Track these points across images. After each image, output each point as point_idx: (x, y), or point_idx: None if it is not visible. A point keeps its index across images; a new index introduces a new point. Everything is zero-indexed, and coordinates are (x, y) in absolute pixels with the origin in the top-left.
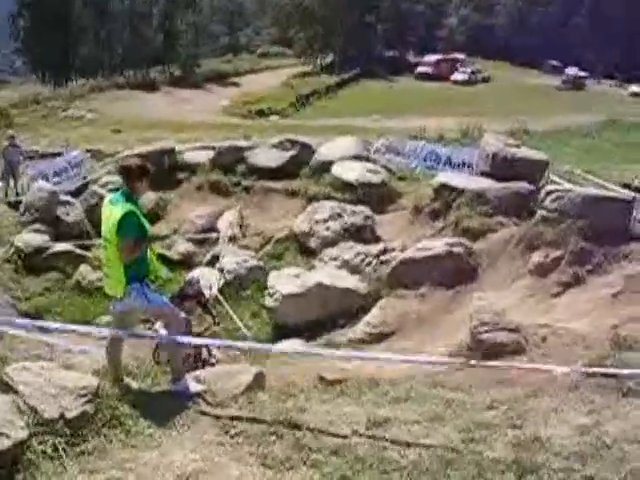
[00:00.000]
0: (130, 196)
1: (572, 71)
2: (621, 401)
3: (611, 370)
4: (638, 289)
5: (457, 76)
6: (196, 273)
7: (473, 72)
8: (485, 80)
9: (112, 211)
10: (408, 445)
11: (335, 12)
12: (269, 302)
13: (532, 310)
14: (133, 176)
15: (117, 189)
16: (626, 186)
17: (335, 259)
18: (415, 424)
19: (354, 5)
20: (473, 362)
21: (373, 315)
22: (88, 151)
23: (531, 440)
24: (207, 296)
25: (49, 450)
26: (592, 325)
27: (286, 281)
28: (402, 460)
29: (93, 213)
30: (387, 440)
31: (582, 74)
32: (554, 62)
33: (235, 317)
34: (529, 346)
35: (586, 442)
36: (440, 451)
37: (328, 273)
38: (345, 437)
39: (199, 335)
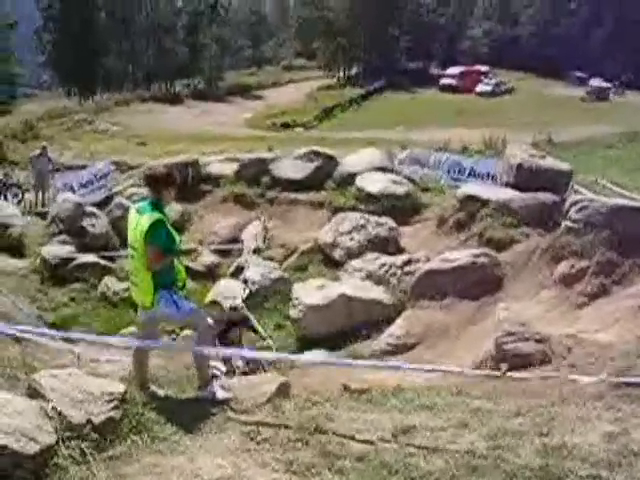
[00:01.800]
0: (157, 205)
1: (596, 82)
2: None
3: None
4: None
5: (481, 88)
6: (222, 286)
7: (497, 84)
8: (509, 92)
9: (139, 220)
10: (434, 451)
11: (358, 24)
12: (293, 313)
13: (557, 321)
14: (159, 185)
15: (144, 199)
16: None
17: (359, 270)
18: (441, 431)
19: (377, 17)
20: (499, 373)
21: (397, 326)
22: (114, 163)
23: (558, 447)
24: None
25: (77, 455)
26: (618, 335)
27: (310, 292)
28: (428, 466)
29: (118, 224)
30: (413, 446)
31: (606, 85)
32: (578, 73)
33: (260, 328)
34: (554, 356)
35: (613, 450)
36: (466, 458)
37: (352, 284)
38: (371, 444)
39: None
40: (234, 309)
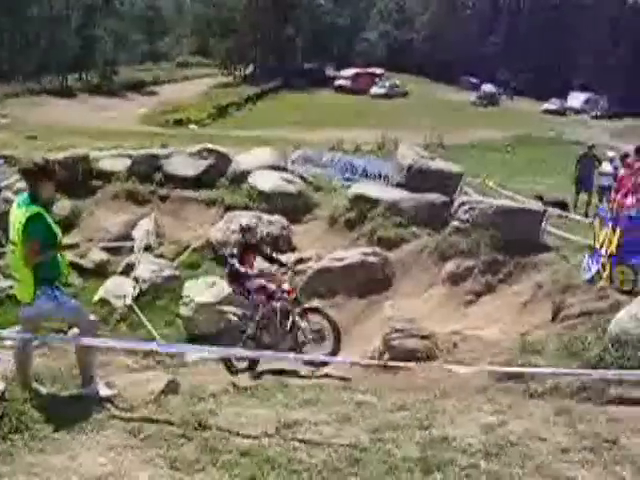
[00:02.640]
0: (36, 199)
1: (487, 87)
2: (527, 402)
3: (508, 369)
4: (546, 298)
5: (375, 90)
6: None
7: (391, 86)
8: (403, 94)
9: (18, 214)
10: (317, 445)
11: (255, 23)
12: (184, 311)
13: (444, 318)
14: (35, 178)
15: (23, 193)
16: (538, 198)
17: None
18: (325, 425)
19: (273, 16)
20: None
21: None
22: (2, 157)
23: (438, 439)
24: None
25: None
26: (502, 332)
27: (201, 290)
28: (311, 460)
29: (4, 220)
30: (297, 441)
31: (497, 90)
32: (471, 78)
33: (150, 326)
34: (440, 352)
35: (492, 440)
36: (349, 451)
37: None
38: (255, 438)
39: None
40: (247, 229)
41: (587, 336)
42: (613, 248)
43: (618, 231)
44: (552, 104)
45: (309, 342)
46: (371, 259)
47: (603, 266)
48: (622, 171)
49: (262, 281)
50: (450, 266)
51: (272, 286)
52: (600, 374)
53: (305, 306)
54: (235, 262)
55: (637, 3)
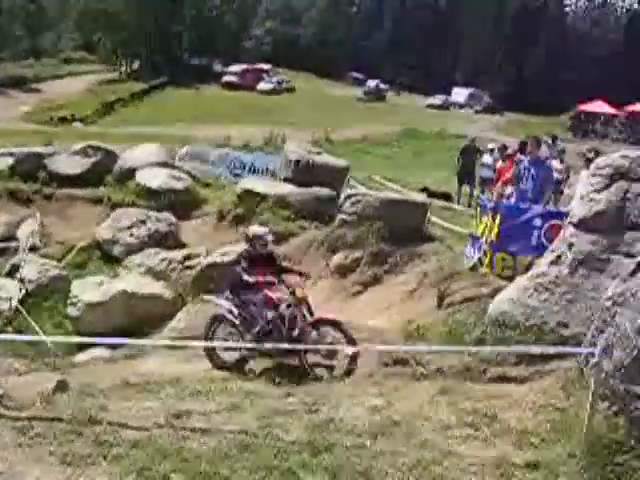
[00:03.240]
0: None
1: (373, 83)
2: (412, 384)
3: (388, 347)
4: (431, 286)
5: (263, 86)
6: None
7: (279, 82)
8: (290, 90)
9: None
10: (207, 433)
11: (140, 19)
12: (72, 312)
13: (334, 309)
14: None
15: None
16: (423, 190)
17: (139, 266)
18: (214, 414)
19: (160, 13)
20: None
21: (178, 320)
22: None
23: (325, 422)
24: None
25: None
26: (389, 320)
27: (89, 289)
28: (201, 448)
29: None
30: (187, 430)
31: (383, 86)
32: (357, 74)
33: (37, 328)
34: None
35: (377, 421)
36: (239, 437)
37: (132, 280)
38: (145, 430)
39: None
40: (258, 238)
41: (469, 320)
42: (493, 236)
43: (498, 220)
44: (437, 99)
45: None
46: None
47: (484, 254)
48: (501, 163)
49: (270, 293)
50: (338, 258)
51: (280, 294)
52: (478, 350)
53: (318, 317)
54: (242, 273)
55: (516, 2)
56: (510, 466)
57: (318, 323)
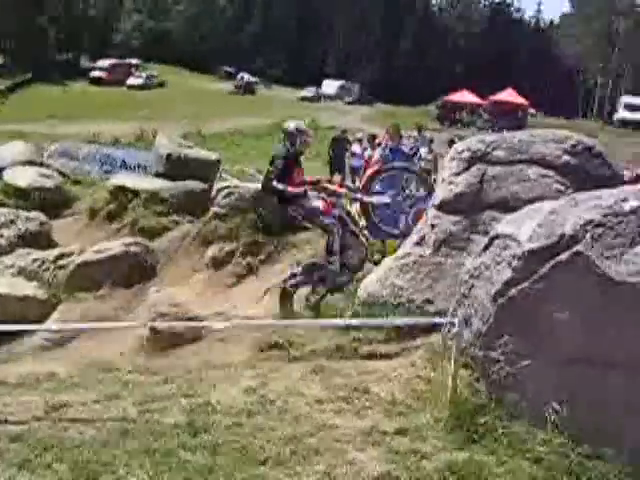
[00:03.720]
0: None
1: (245, 76)
2: (286, 366)
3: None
4: None
5: (132, 81)
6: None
7: (148, 77)
8: (161, 85)
9: None
10: (87, 423)
11: (4, 13)
12: None
13: (210, 301)
14: None
15: None
16: None
17: (11, 267)
18: (93, 404)
19: (23, 6)
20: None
21: (52, 320)
22: None
23: (203, 405)
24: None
25: None
26: (265, 309)
27: None
28: (81, 437)
29: None
30: (66, 421)
31: (254, 79)
32: (227, 67)
33: None
34: (206, 333)
35: (253, 400)
36: (118, 424)
37: (3, 282)
38: (24, 424)
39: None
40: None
41: (340, 303)
42: (363, 223)
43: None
44: (308, 91)
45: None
46: (134, 249)
47: None
48: (370, 151)
49: (320, 197)
50: (212, 251)
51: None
52: (346, 322)
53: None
54: (279, 185)
55: None
56: (380, 434)
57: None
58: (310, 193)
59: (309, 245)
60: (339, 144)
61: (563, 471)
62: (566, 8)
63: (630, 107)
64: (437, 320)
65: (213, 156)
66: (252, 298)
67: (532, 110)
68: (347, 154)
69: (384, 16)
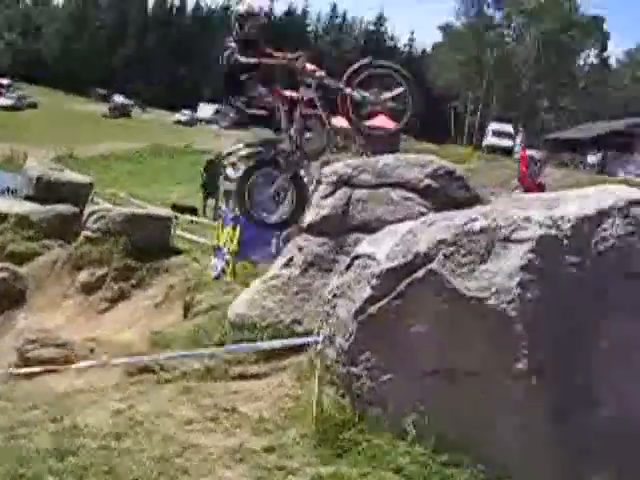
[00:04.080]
0: None
1: (119, 99)
2: (155, 388)
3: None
4: (178, 298)
5: (2, 101)
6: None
7: (19, 98)
8: (33, 106)
9: None
10: None
11: None
12: None
13: (81, 326)
14: None
15: None
16: (169, 205)
17: None
18: None
19: None
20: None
21: None
22: None
23: (70, 428)
24: None
25: None
26: (136, 334)
27: None
28: None
29: None
30: None
31: (129, 102)
32: (101, 90)
33: None
34: (77, 358)
35: (121, 422)
36: None
37: None
38: None
39: None
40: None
41: (210, 326)
42: (234, 246)
43: (238, 230)
44: (183, 115)
45: None
46: (2, 275)
47: (227, 263)
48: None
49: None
50: (83, 276)
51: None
52: (214, 351)
53: None
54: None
55: None
56: (248, 451)
57: None
58: None
59: (181, 269)
60: (213, 168)
61: (421, 477)
62: (438, 37)
63: (497, 134)
64: (302, 340)
65: (85, 179)
66: (124, 323)
67: (404, 136)
68: (221, 178)
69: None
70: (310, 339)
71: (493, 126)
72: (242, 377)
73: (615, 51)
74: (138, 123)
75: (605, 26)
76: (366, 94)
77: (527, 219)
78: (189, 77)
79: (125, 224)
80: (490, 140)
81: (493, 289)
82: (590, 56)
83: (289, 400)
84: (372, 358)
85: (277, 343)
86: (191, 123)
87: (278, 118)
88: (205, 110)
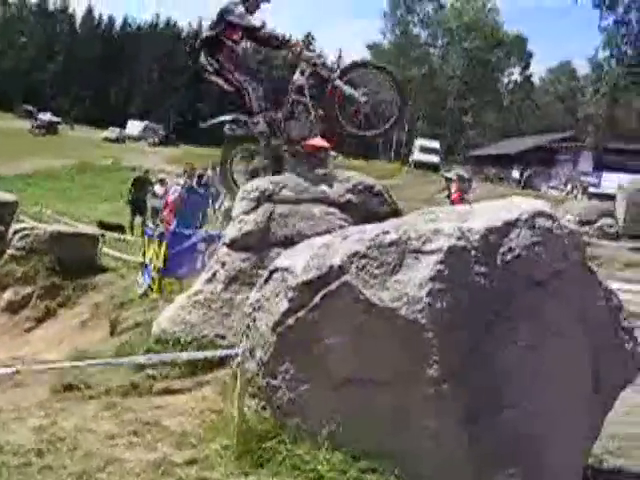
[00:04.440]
0: None
1: (46, 116)
2: (79, 404)
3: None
4: (104, 315)
5: None
6: None
7: None
8: None
9: None
10: None
11: None
12: None
13: (7, 346)
14: None
15: None
16: (96, 223)
17: None
18: None
19: None
20: None
21: None
22: None
23: None
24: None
25: None
26: (63, 352)
27: None
28: None
29: None
30: None
31: (56, 119)
32: (28, 106)
33: None
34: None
35: (43, 439)
36: None
37: None
38: None
39: None
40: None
41: (135, 342)
42: (160, 262)
43: (164, 247)
44: (111, 132)
45: None
46: None
47: (153, 280)
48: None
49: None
50: (8, 295)
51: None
52: (131, 359)
53: None
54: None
55: (189, 38)
56: (170, 464)
57: None
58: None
59: (108, 286)
60: (140, 185)
61: None
62: (367, 56)
63: (424, 150)
64: (223, 352)
65: (9, 197)
66: (51, 342)
67: (333, 153)
68: (149, 195)
69: (190, 57)
70: (231, 351)
71: (420, 142)
72: (166, 392)
73: (538, 69)
74: (65, 140)
75: (528, 45)
76: (354, 92)
77: (437, 231)
78: (118, 93)
79: (51, 242)
80: (417, 156)
81: (404, 299)
82: (514, 74)
83: (212, 413)
84: (291, 370)
85: (199, 354)
86: (120, 140)
87: (248, 101)
88: (133, 127)
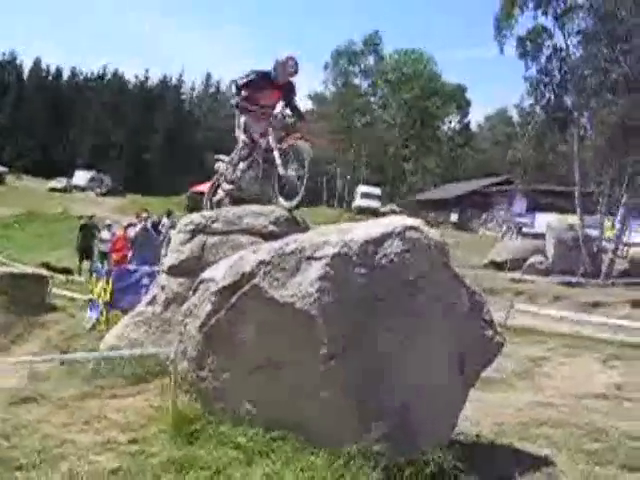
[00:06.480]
0: None
1: None
2: (36, 410)
3: None
4: (53, 349)
5: None
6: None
7: None
8: None
9: None
10: None
11: None
12: None
13: None
14: None
15: None
16: (46, 267)
17: None
18: None
19: None
20: None
21: None
22: None
23: None
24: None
25: None
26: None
27: None
28: None
29: None
30: None
31: (3, 169)
32: None
33: None
34: None
35: (7, 426)
36: None
37: None
38: None
39: None
40: None
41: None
42: (107, 297)
43: (110, 283)
44: (58, 182)
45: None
46: None
47: (101, 313)
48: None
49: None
50: None
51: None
52: (86, 355)
53: None
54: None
55: (136, 89)
56: (116, 443)
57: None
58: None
59: (57, 323)
60: (86, 230)
61: (256, 451)
62: (308, 105)
63: (365, 195)
64: (160, 350)
65: None
66: (3, 378)
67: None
68: (96, 241)
69: (135, 109)
70: (166, 350)
71: (362, 189)
72: (113, 397)
73: (476, 116)
74: (12, 190)
75: (467, 94)
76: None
77: (326, 242)
78: (65, 144)
79: (3, 283)
80: (359, 202)
81: (300, 295)
82: (453, 122)
83: (151, 409)
84: (214, 361)
85: (137, 351)
86: (67, 190)
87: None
88: (80, 177)
